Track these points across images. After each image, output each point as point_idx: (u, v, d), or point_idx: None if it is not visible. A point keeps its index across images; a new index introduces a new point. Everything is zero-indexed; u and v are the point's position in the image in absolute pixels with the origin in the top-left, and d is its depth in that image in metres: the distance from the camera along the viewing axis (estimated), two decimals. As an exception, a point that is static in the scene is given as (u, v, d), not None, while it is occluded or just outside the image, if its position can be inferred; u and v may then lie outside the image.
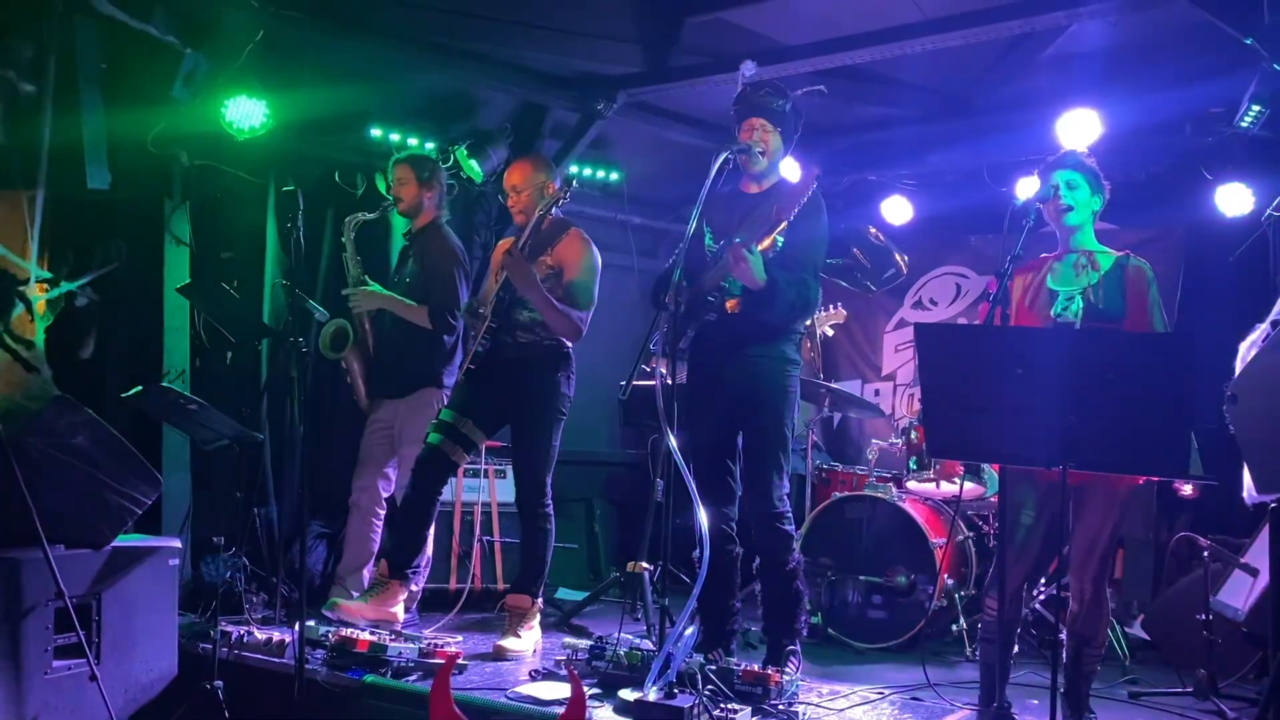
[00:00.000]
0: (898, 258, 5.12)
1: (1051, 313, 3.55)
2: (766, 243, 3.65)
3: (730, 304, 3.74)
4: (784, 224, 3.64)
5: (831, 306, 5.47)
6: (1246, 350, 3.21)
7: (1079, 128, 5.10)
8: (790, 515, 3.90)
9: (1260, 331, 3.19)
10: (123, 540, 3.75)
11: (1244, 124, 4.68)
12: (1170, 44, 4.92)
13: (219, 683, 3.72)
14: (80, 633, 3.40)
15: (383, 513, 4.74)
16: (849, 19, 4.92)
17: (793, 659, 3.86)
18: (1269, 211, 5.16)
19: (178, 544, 4.03)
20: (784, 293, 3.70)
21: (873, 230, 5.12)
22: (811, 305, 3.92)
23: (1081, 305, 3.51)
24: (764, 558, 3.94)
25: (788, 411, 3.87)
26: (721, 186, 3.89)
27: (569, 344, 4.35)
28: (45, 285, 4.60)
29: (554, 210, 4.31)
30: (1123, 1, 4.34)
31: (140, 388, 4.16)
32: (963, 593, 4.89)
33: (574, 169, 5.89)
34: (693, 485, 3.46)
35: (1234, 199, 5.33)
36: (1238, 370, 3.13)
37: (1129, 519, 3.68)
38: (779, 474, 3.84)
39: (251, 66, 4.52)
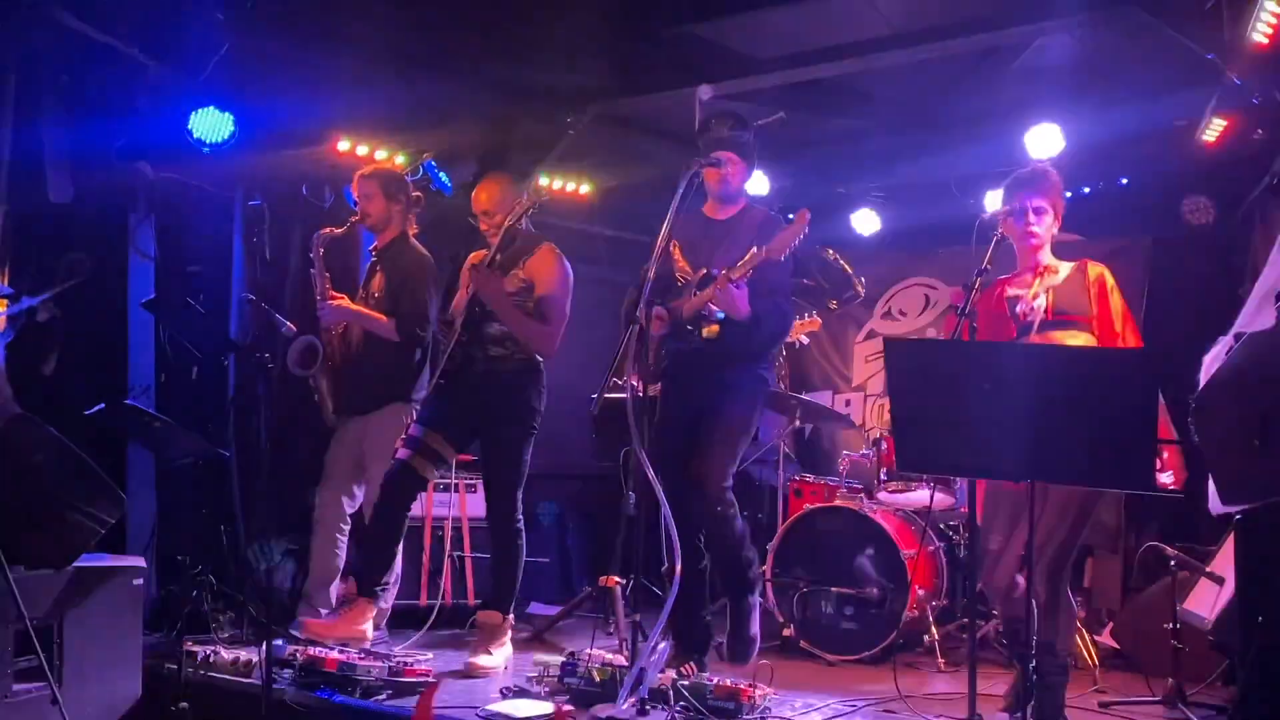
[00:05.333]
0: (855, 282, 5.20)
1: (1015, 312, 3.62)
2: (741, 272, 3.71)
3: (707, 331, 3.79)
4: (759, 257, 3.69)
5: (806, 315, 5.50)
6: (1210, 362, 3.24)
7: (1046, 141, 5.15)
8: (733, 500, 3.87)
9: (1224, 344, 3.23)
10: (85, 560, 3.69)
11: (1206, 137, 4.75)
12: (1134, 59, 4.99)
13: (185, 704, 3.67)
14: (41, 655, 3.34)
15: (347, 528, 4.69)
16: (818, 33, 4.95)
17: (754, 611, 3.91)
18: (1231, 223, 5.23)
19: (142, 563, 3.98)
20: (765, 323, 3.80)
21: (831, 253, 5.20)
22: (788, 328, 4.03)
23: (1044, 301, 3.57)
24: (711, 540, 3.92)
25: (752, 412, 3.91)
26: (686, 209, 3.91)
27: (540, 358, 4.34)
28: (6, 300, 4.53)
29: (525, 224, 4.30)
30: (1087, 16, 4.40)
31: (103, 405, 4.10)
32: (934, 603, 4.90)
33: (544, 181, 5.88)
34: (664, 500, 3.45)
35: (1197, 211, 5.40)
36: (1202, 382, 3.16)
37: (1091, 527, 3.70)
38: (727, 459, 3.84)
39: (218, 79, 4.49)
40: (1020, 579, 3.55)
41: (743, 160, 3.98)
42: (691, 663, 3.90)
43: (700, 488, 3.83)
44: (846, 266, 5.21)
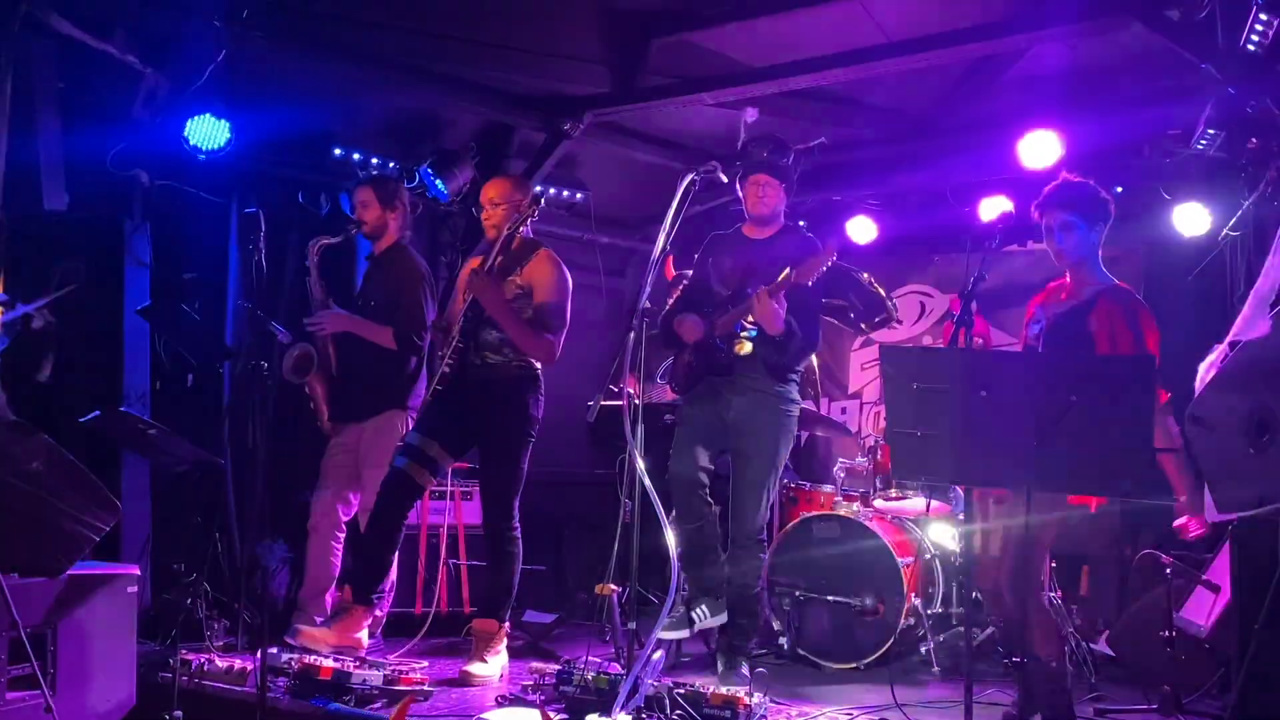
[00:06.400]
0: (889, 306, 5.27)
1: (1029, 334, 3.66)
2: (780, 289, 3.85)
3: (739, 347, 3.92)
4: (790, 279, 3.82)
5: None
6: (1205, 371, 3.25)
7: (1040, 149, 5.17)
8: (765, 544, 4.12)
9: (1219, 352, 3.24)
10: (80, 568, 3.67)
11: (1200, 145, 4.76)
12: (1128, 67, 5.01)
13: (179, 713, 3.65)
14: (35, 663, 3.32)
15: (342, 536, 4.68)
16: (814, 41, 4.97)
17: (744, 675, 3.98)
18: (1225, 231, 5.25)
19: (136, 571, 3.96)
20: (797, 337, 3.93)
21: (866, 276, 5.27)
22: (815, 345, 4.16)
23: (1044, 325, 3.58)
24: (734, 578, 4.06)
25: (782, 448, 4.10)
26: (724, 231, 4.16)
27: (538, 365, 4.33)
28: (1, 308, 4.52)
29: (523, 230, 4.30)
30: (1081, 26, 4.41)
31: (99, 412, 4.09)
32: (930, 611, 4.90)
33: (540, 188, 5.88)
34: (659, 507, 3.46)
35: (1191, 219, 5.42)
36: (1197, 391, 3.16)
37: (1073, 538, 3.73)
38: (762, 503, 4.06)
39: (214, 86, 4.49)
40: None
41: (780, 183, 4.10)
42: (704, 605, 4.00)
43: (737, 517, 4.08)
44: (880, 290, 5.28)
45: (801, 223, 4.29)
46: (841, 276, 5.22)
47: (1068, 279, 3.69)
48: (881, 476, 5.19)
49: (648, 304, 3.61)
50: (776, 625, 4.94)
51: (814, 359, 5.32)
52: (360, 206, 4.69)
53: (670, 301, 4.29)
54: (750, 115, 4.55)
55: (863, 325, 5.63)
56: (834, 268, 3.91)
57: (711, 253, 4.14)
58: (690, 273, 4.42)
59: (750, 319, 3.88)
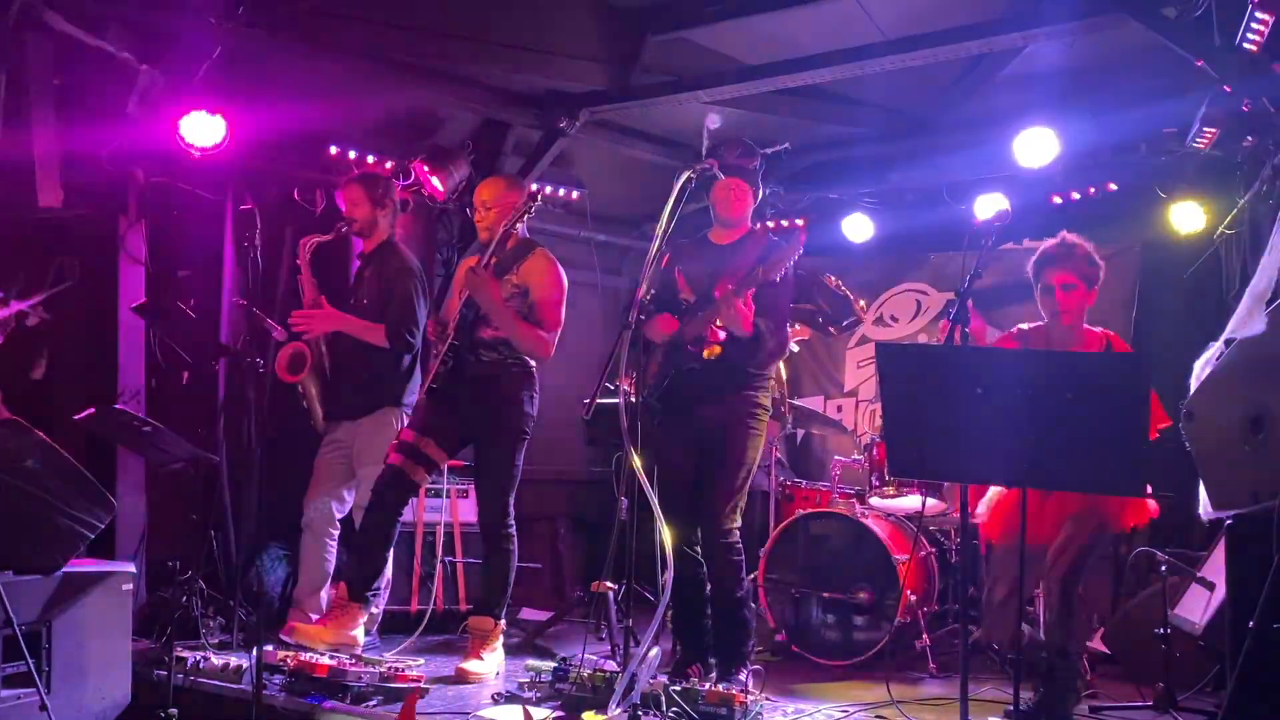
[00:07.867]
0: (857, 306, 5.28)
1: None
2: (746, 288, 3.79)
3: (708, 352, 3.86)
4: (756, 278, 3.77)
5: (794, 324, 5.50)
6: (1201, 368, 3.26)
7: (1037, 146, 5.17)
8: (741, 546, 4.00)
9: (1215, 349, 3.24)
10: (75, 565, 3.67)
11: (1196, 144, 4.77)
12: (1124, 65, 5.02)
13: (174, 710, 3.65)
14: (30, 661, 3.32)
15: (336, 533, 4.67)
16: (810, 39, 4.97)
17: (740, 681, 3.92)
18: (1221, 229, 5.26)
19: (131, 569, 3.96)
20: (766, 340, 3.88)
21: (833, 280, 5.27)
22: (785, 349, 4.09)
23: None
24: (714, 585, 4.02)
25: (751, 452, 4.00)
26: (688, 228, 4.04)
27: (533, 363, 4.33)
28: (-4, 304, 4.52)
29: (519, 229, 4.30)
30: (1077, 23, 4.41)
31: (94, 409, 4.08)
32: (926, 609, 4.90)
33: (536, 186, 5.88)
34: (656, 504, 3.45)
35: (1187, 217, 5.43)
36: (1193, 388, 3.17)
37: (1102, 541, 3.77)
38: (733, 507, 3.96)
39: (209, 83, 4.48)
40: (1026, 628, 3.63)
41: (749, 188, 4.05)
42: (697, 665, 3.92)
43: (709, 521, 3.96)
44: (848, 293, 5.29)
45: (801, 221, 4.27)
46: (809, 280, 5.24)
47: (1057, 334, 3.78)
48: (877, 474, 5.20)
49: (645, 301, 3.60)
50: (772, 623, 4.95)
51: (782, 368, 5.30)
52: (350, 205, 4.67)
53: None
54: (713, 123, 4.54)
55: (831, 329, 5.63)
56: (801, 272, 3.86)
57: (678, 260, 4.09)
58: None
59: (718, 322, 3.82)
